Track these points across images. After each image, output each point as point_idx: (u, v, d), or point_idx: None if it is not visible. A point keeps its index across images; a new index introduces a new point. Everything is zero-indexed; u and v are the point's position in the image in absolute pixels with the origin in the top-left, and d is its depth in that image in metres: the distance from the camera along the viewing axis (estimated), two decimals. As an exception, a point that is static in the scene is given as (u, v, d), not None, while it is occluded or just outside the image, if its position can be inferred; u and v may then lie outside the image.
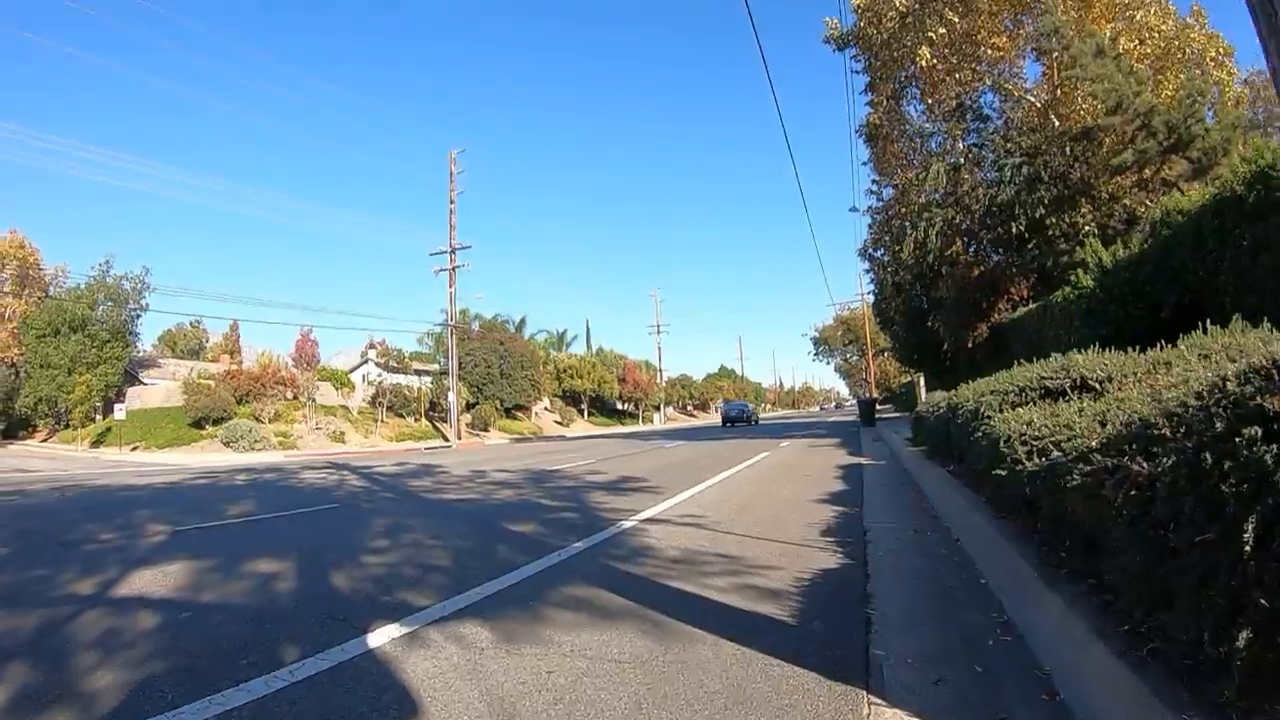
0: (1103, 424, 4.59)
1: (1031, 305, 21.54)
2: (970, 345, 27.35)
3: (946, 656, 4.07)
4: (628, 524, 8.89)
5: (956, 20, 25.93)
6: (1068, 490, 3.91)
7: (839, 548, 7.16)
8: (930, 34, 25.96)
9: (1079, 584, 4.12)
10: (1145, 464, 3.16)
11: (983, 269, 26.26)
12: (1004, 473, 5.58)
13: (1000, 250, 25.37)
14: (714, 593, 5.53)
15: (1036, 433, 5.39)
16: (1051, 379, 7.50)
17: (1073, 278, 17.04)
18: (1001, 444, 5.93)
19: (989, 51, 27.92)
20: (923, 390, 42.35)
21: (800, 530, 8.15)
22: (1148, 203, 20.76)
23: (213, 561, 7.36)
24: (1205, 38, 26.15)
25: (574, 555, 7.17)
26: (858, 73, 30.94)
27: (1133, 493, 3.16)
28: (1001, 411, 7.29)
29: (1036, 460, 5.01)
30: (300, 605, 5.59)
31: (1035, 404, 7.07)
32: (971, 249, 26.89)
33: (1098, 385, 6.77)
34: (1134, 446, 3.40)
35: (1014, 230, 23.50)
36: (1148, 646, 3.06)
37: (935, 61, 26.87)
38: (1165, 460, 3.03)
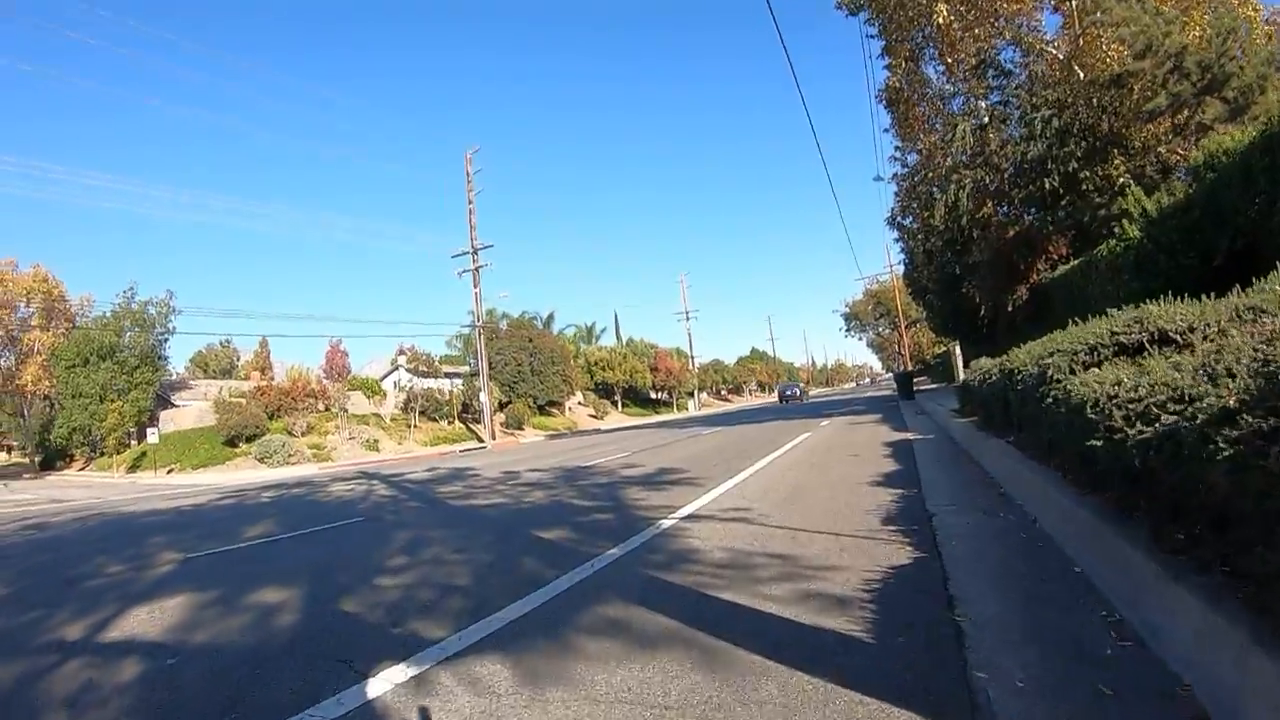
0: (1212, 380, 3.90)
1: (1073, 262, 20.98)
2: (1010, 309, 26.70)
3: (1061, 674, 3.35)
4: (667, 523, 8.17)
5: (978, -27, 24.92)
6: (1209, 461, 3.15)
7: (904, 538, 6.39)
8: (949, -11, 25.01)
9: (1210, 574, 3.41)
10: None
11: (1017, 229, 25.55)
12: (1099, 443, 4.82)
13: (1034, 209, 24.69)
14: (771, 605, 4.77)
15: (1132, 394, 4.67)
16: (1125, 334, 6.77)
17: (1117, 230, 16.54)
18: (1088, 410, 5.19)
19: (1006, 5, 26.96)
20: (959, 359, 41.54)
21: (858, 519, 7.39)
22: (1180, 151, 20.23)
23: (216, 593, 6.82)
24: (1230, -25, 25.40)
25: (608, 565, 6.45)
26: (872, 37, 30.10)
27: None
28: (1073, 373, 6.60)
29: (1141, 427, 4.26)
30: (299, 644, 4.98)
31: (1111, 362, 6.42)
32: (1004, 209, 26.16)
33: (1179, 337, 6.10)
34: None
35: (1047, 187, 22.85)
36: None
37: (952, 19, 25.98)
38: None
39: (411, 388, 51.43)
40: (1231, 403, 3.23)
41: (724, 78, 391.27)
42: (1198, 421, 3.44)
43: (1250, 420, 2.91)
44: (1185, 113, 20.12)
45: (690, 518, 8.43)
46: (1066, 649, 3.62)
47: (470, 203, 48.01)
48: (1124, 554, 4.24)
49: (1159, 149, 21.41)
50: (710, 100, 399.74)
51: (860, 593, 4.85)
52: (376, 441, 43.37)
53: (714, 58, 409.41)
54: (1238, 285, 6.06)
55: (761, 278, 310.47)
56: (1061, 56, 25.79)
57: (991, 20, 27.13)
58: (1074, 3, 23.68)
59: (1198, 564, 3.55)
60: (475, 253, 47.37)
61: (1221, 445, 3.02)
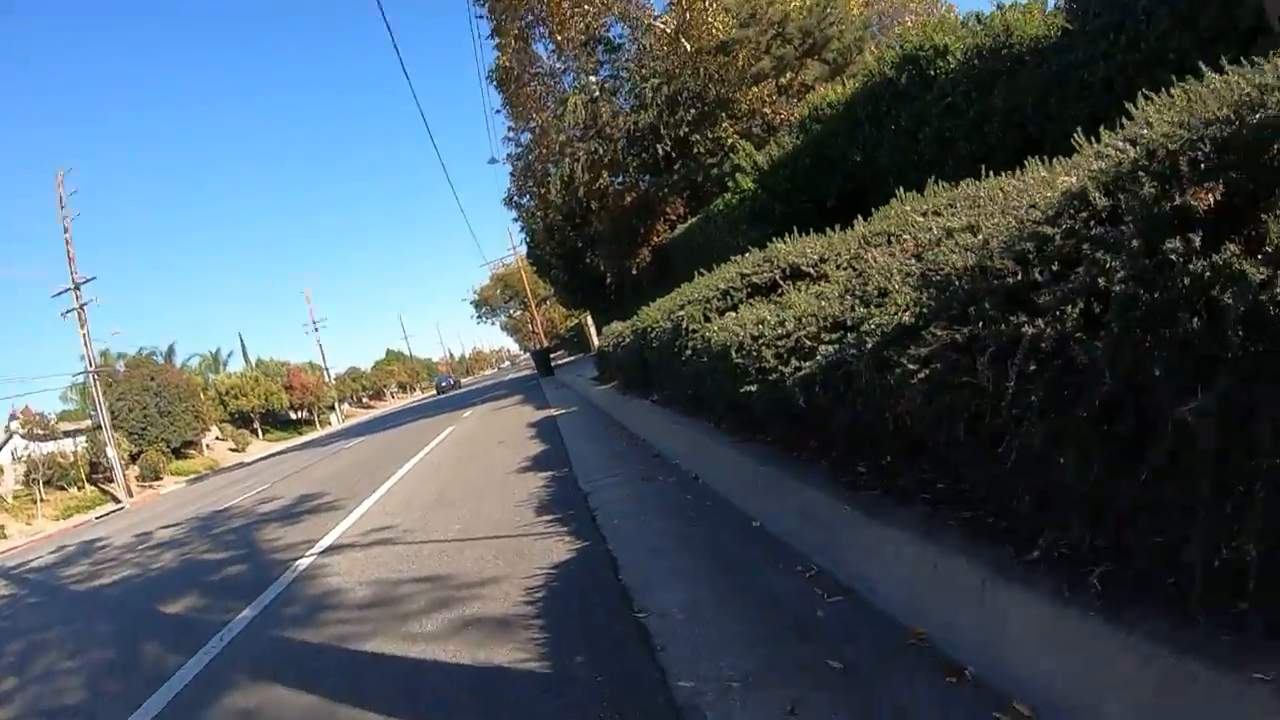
0: (865, 302, 3.79)
1: (691, 221, 21.96)
2: (635, 272, 27.53)
3: (777, 656, 2.89)
4: (305, 563, 7.18)
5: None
6: (901, 386, 2.79)
7: (563, 526, 5.88)
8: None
9: (913, 506, 3.16)
10: (1040, 321, 2.17)
11: (634, 195, 26.52)
12: (753, 388, 4.48)
13: (649, 174, 25.80)
14: (425, 646, 4.02)
15: (779, 331, 4.48)
16: (756, 273, 6.73)
17: (731, 184, 17.29)
18: (734, 355, 5.00)
19: None
20: (592, 328, 42.34)
21: (511, 515, 6.82)
22: (783, 111, 21.88)
23: None
24: (827, -49, 27.98)
25: (241, 632, 5.43)
26: (482, 18, 29.60)
27: (1032, 367, 2.17)
28: (709, 321, 6.51)
29: (797, 363, 3.97)
30: None
31: (747, 304, 6.32)
32: (619, 178, 27.00)
33: (811, 270, 6.13)
34: (986, 306, 2.42)
35: (660, 153, 24.00)
36: (1097, 571, 2.16)
37: None
38: (1070, 309, 2.10)
39: (29, 455, 46.04)
40: (907, 319, 2.88)
41: (336, 65, 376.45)
42: (869, 346, 3.09)
43: (939, 334, 2.52)
44: (789, 74, 21.81)
45: (331, 550, 7.54)
46: (774, 622, 3.19)
47: (66, 230, 43.17)
48: (806, 499, 3.98)
49: (764, 110, 22.91)
50: (324, 92, 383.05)
51: (525, 607, 4.21)
52: (1, 528, 38.59)
53: (321, 46, 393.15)
54: (859, 216, 6.13)
55: (390, 275, 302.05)
56: (670, 30, 26.64)
57: (600, -1, 27.51)
58: (687, -24, 24.41)
59: (896, 497, 3.31)
60: (77, 288, 42.74)
61: (910, 366, 2.63)
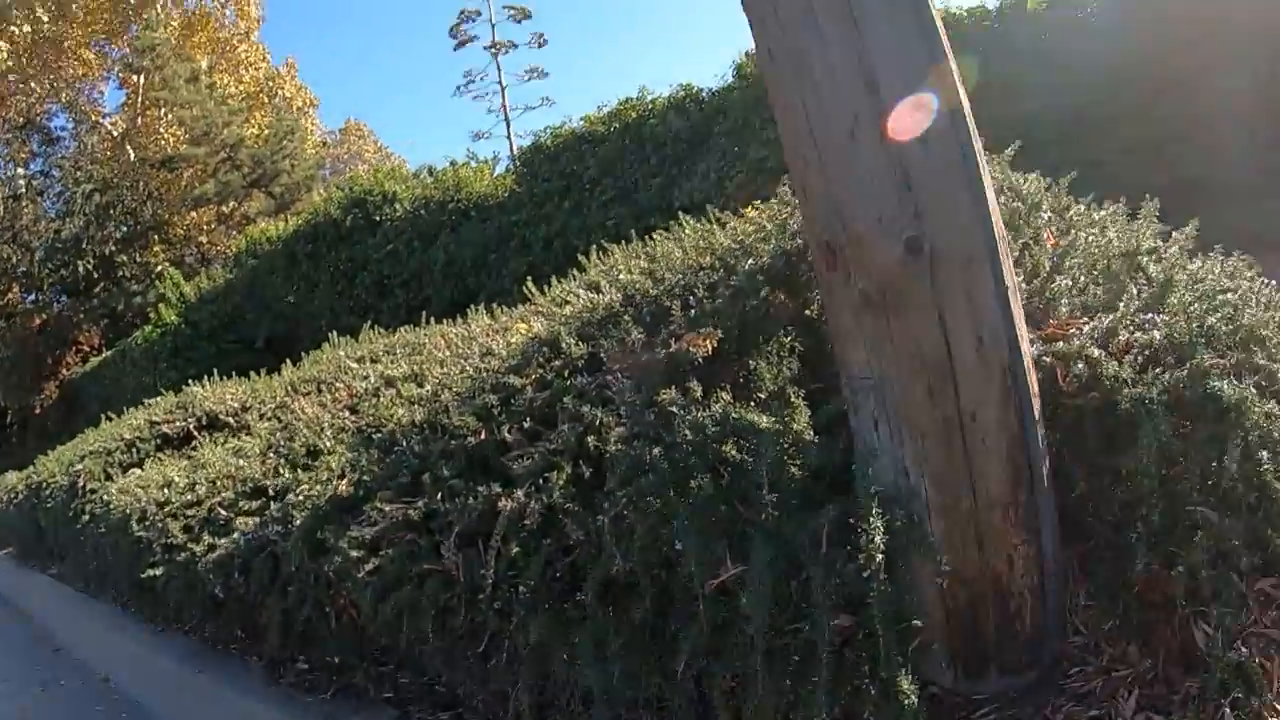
0: (292, 464, 3.37)
1: (106, 354, 20.17)
2: (39, 411, 24.38)
3: None
4: None
5: (46, 20, 22.96)
6: (347, 578, 2.23)
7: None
8: (14, 28, 22.53)
9: (375, 711, 2.66)
10: (519, 492, 1.81)
11: (46, 317, 23.67)
12: (158, 571, 3.70)
13: (66, 294, 23.46)
14: None
15: (189, 497, 3.89)
16: (168, 422, 6.17)
17: (154, 315, 16.57)
18: (135, 525, 4.23)
19: (74, 66, 25.18)
20: (-21, 477, 36.93)
21: None
22: (221, 243, 21.56)
23: None
24: (295, 88, 29.53)
25: None
26: None
27: (515, 549, 1.81)
28: (110, 479, 5.75)
29: (212, 540, 3.33)
30: None
31: (154, 458, 5.75)
32: (32, 296, 24.00)
33: (232, 419, 5.78)
34: (445, 472, 2.05)
35: (81, 270, 21.94)
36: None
37: (10, 64, 23.37)
38: (556, 475, 1.79)
39: None
40: (344, 488, 2.35)
41: None
42: (298, 523, 2.53)
43: (386, 509, 2.03)
44: (233, 203, 21.48)
45: None
46: None
47: None
48: (244, 710, 3.26)
49: (201, 238, 22.29)
50: None
51: None
52: None
53: None
54: (289, 360, 6.08)
55: None
56: (117, 134, 25.08)
57: (53, 78, 25.14)
58: (140, 79, 23.16)
59: (355, 699, 2.77)
60: None
61: (353, 552, 2.12)
